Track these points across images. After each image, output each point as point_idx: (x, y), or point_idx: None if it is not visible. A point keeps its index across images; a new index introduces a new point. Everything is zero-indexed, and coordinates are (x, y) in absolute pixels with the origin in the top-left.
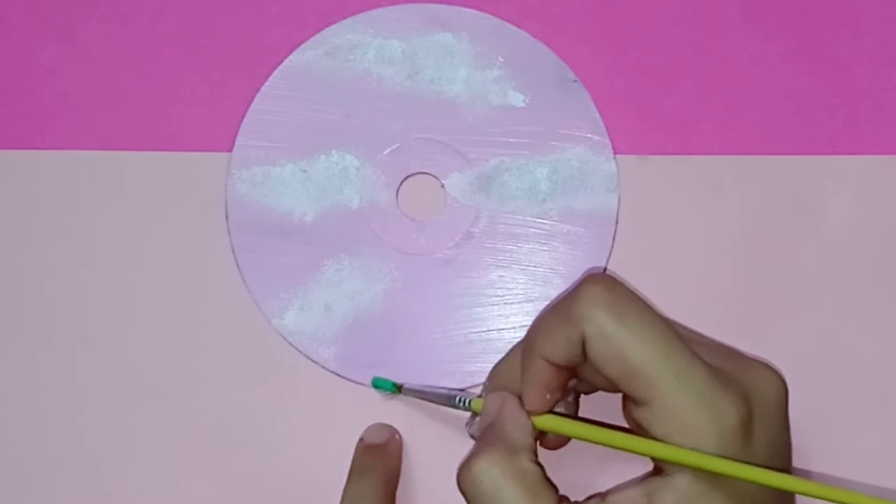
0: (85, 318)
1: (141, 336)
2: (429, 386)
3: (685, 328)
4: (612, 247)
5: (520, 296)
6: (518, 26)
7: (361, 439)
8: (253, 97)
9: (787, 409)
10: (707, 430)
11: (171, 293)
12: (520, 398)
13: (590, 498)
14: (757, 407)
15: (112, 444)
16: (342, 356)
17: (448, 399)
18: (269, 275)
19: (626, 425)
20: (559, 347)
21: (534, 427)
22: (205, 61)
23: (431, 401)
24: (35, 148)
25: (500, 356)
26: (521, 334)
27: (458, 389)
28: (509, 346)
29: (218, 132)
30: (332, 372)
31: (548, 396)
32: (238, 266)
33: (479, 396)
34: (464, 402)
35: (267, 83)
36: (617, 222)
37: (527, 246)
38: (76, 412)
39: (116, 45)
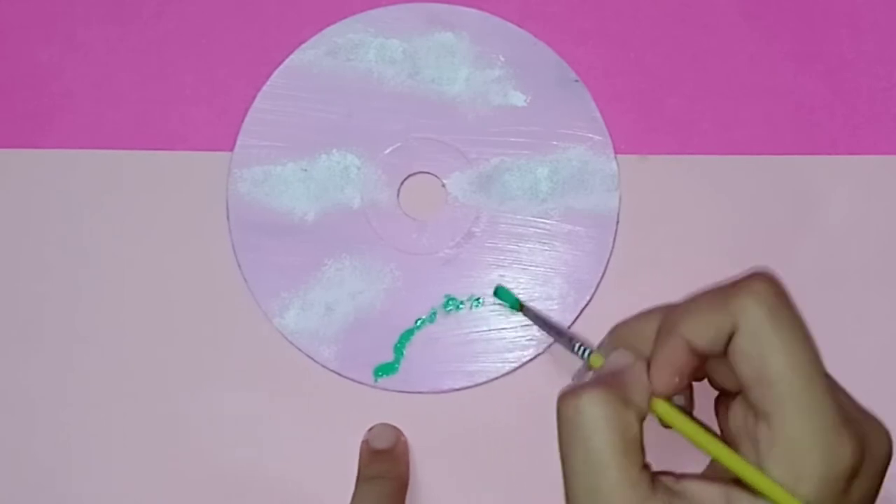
0: (85, 318)
1: (141, 335)
2: (551, 319)
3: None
4: (613, 246)
5: (520, 295)
6: (519, 26)
7: (366, 441)
8: (254, 96)
9: (885, 474)
10: (813, 469)
11: (172, 292)
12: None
13: (664, 474)
14: (866, 462)
15: (113, 443)
16: (343, 355)
17: (567, 340)
18: (270, 274)
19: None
20: (706, 331)
21: (651, 399)
22: (205, 61)
23: (547, 332)
24: (36, 147)
25: (500, 356)
26: (521, 333)
27: (578, 336)
28: (510, 346)
29: (219, 131)
30: (333, 371)
31: (676, 380)
32: (239, 265)
33: (599, 352)
34: (582, 351)
35: (268, 83)
36: (618, 222)
37: (527, 245)
38: (76, 411)
39: (117, 45)
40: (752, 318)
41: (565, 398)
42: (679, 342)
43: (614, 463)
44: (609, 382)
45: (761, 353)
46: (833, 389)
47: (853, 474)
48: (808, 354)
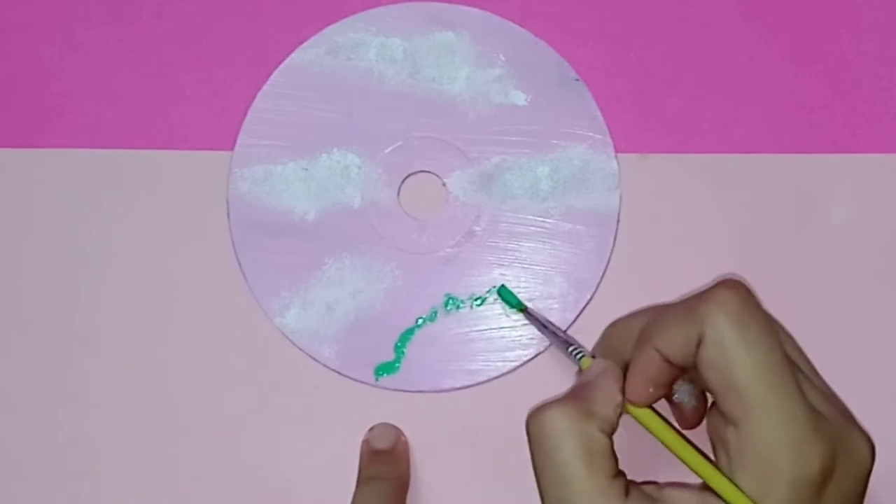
0: (85, 317)
1: (142, 335)
2: (551, 322)
3: (807, 362)
4: (614, 245)
5: (521, 294)
6: (520, 25)
7: (367, 441)
8: (254, 96)
9: (867, 484)
10: (784, 473)
11: (173, 292)
12: (624, 373)
13: (647, 483)
14: (841, 467)
15: (113, 442)
16: (343, 355)
17: (563, 344)
18: (271, 273)
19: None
20: (675, 343)
21: (622, 405)
22: (205, 61)
23: (546, 335)
24: (37, 146)
25: (500, 355)
26: (522, 332)
27: (574, 340)
28: (511, 345)
29: (219, 131)
30: (334, 370)
31: (651, 390)
32: (240, 264)
33: (593, 356)
34: (576, 355)
35: (268, 82)
36: (618, 221)
37: (528, 244)
38: (76, 411)
39: (117, 45)
40: (717, 327)
41: (531, 416)
42: (652, 353)
43: (580, 474)
44: (576, 396)
45: (726, 361)
46: (802, 393)
47: (826, 479)
48: (774, 360)
